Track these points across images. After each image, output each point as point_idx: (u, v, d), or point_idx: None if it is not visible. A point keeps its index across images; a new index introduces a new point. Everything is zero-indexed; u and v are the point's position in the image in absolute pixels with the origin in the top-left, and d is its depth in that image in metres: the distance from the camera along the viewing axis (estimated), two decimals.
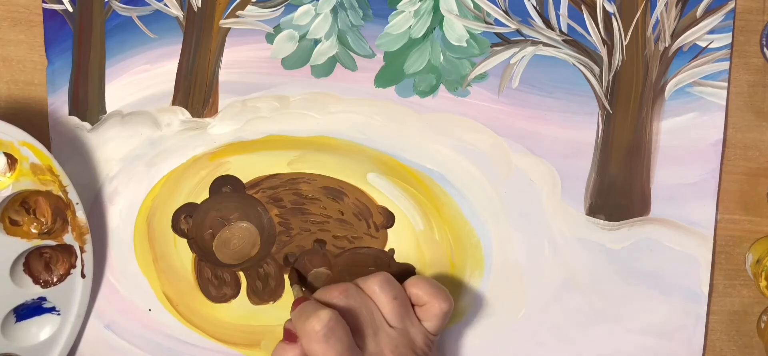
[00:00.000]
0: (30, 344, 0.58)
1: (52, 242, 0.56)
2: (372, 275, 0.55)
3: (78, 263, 0.57)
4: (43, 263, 0.58)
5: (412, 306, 0.56)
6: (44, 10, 0.58)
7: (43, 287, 0.57)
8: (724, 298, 0.61)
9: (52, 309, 0.58)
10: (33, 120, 0.59)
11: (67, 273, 0.57)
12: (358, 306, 0.54)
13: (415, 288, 0.56)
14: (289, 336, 0.54)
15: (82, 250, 0.57)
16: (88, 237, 0.57)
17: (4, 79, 0.59)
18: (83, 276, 0.58)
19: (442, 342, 0.61)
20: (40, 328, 0.58)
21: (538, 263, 0.60)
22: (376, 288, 0.55)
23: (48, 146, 0.58)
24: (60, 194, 0.56)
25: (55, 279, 0.58)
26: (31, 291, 0.57)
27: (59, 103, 0.58)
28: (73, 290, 0.58)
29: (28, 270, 0.57)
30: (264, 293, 0.61)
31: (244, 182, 0.60)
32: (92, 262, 0.58)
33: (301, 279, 0.60)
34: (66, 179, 0.55)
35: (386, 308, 0.54)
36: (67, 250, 0.57)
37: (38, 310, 0.58)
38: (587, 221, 0.59)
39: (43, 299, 0.58)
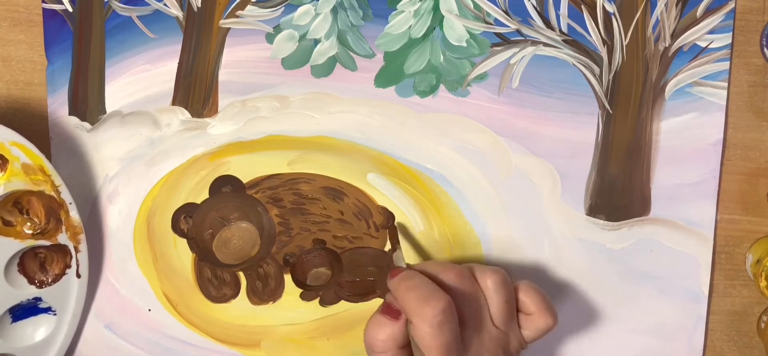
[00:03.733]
0: (26, 344, 0.58)
1: (46, 243, 0.57)
2: (489, 269, 0.55)
3: (73, 263, 0.58)
4: (38, 264, 0.58)
5: (517, 311, 0.56)
6: (44, 10, 0.58)
7: (38, 287, 0.58)
8: (724, 298, 0.61)
9: (47, 310, 0.58)
10: (33, 120, 0.59)
11: (62, 273, 0.58)
12: (470, 297, 0.53)
13: (525, 296, 0.55)
14: (390, 311, 0.53)
15: (76, 250, 0.57)
16: (82, 237, 0.57)
17: (4, 79, 0.59)
18: (78, 275, 0.58)
19: None
20: (36, 328, 0.58)
21: (538, 263, 0.60)
22: (491, 285, 0.54)
23: (48, 146, 0.59)
24: (53, 193, 0.56)
25: (50, 279, 0.58)
26: (26, 291, 0.57)
27: (59, 103, 0.59)
28: (68, 290, 0.58)
29: (23, 270, 0.58)
30: (264, 293, 0.62)
31: (244, 182, 0.60)
32: (87, 262, 0.58)
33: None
34: (58, 178, 0.56)
35: (496, 308, 0.54)
36: (62, 250, 0.57)
37: (34, 310, 0.58)
38: (587, 221, 0.60)
39: (38, 299, 0.58)
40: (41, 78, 0.59)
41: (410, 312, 0.51)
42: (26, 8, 0.58)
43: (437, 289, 0.52)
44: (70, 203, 0.56)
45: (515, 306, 0.55)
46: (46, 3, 0.58)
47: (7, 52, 0.59)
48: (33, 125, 0.59)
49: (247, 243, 0.61)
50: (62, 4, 0.58)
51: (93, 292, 0.60)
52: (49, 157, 0.58)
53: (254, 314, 0.61)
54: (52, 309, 0.58)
